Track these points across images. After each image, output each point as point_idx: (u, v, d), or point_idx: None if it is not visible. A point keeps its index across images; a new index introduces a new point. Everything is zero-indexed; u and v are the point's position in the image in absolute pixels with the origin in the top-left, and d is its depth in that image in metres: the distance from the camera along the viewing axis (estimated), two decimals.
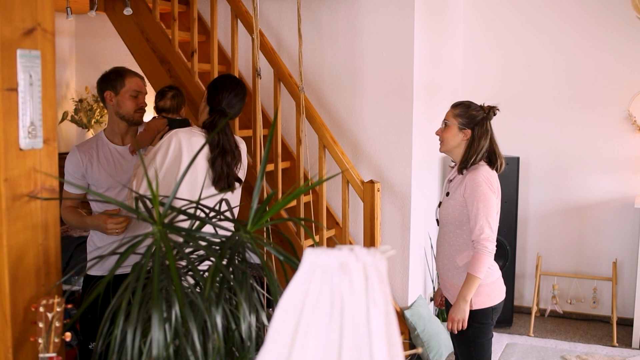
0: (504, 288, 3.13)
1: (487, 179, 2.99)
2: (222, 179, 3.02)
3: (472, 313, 3.00)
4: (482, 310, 3.02)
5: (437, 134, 3.16)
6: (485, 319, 3.03)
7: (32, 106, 2.09)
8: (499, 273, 3.12)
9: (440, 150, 3.17)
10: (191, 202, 1.94)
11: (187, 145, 2.89)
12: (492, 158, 3.09)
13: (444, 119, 3.13)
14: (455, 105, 3.13)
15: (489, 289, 3.03)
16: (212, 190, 3.01)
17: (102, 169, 3.18)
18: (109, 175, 3.18)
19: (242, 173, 3.15)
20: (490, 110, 3.09)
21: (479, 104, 3.13)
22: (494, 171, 3.08)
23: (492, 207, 2.97)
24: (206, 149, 2.97)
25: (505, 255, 5.20)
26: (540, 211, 5.78)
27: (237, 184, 3.09)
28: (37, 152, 2.14)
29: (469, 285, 2.94)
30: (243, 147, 3.17)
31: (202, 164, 2.97)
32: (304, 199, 4.45)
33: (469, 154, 3.05)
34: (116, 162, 3.21)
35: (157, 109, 3.29)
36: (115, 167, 3.20)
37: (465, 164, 3.06)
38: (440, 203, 3.20)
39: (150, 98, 3.34)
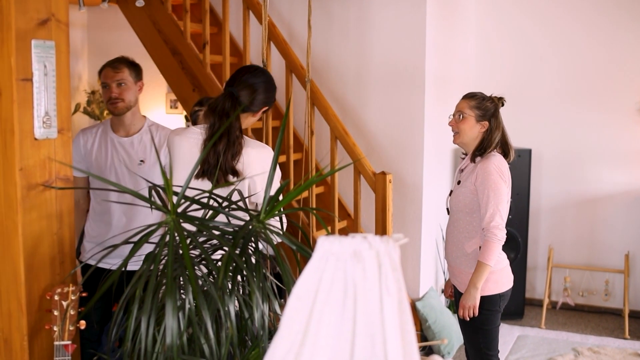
0: (511, 276, 3.14)
1: (498, 167, 2.99)
2: (208, 166, 2.58)
3: (480, 300, 3.01)
4: (490, 297, 3.04)
5: (450, 124, 3.14)
6: (492, 306, 3.05)
7: (47, 96, 2.11)
8: (507, 261, 3.14)
9: (455, 142, 3.16)
10: (204, 191, 1.95)
11: (178, 145, 2.64)
12: (504, 148, 3.10)
13: (458, 110, 3.11)
14: (470, 97, 3.12)
15: (497, 276, 3.04)
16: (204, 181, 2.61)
17: (94, 155, 3.18)
18: (98, 164, 3.16)
19: (259, 185, 2.62)
20: (499, 101, 3.10)
21: (488, 95, 3.13)
22: (505, 160, 3.08)
23: (503, 195, 2.98)
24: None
25: (517, 247, 5.19)
26: (552, 203, 5.76)
27: (231, 177, 2.59)
28: (51, 142, 2.16)
29: (479, 273, 2.96)
30: (266, 154, 2.67)
31: (191, 158, 2.61)
32: (315, 190, 4.45)
33: (484, 145, 3.06)
34: (109, 151, 3.18)
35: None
36: (106, 156, 3.17)
37: (480, 152, 3.06)
38: (451, 192, 3.20)
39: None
